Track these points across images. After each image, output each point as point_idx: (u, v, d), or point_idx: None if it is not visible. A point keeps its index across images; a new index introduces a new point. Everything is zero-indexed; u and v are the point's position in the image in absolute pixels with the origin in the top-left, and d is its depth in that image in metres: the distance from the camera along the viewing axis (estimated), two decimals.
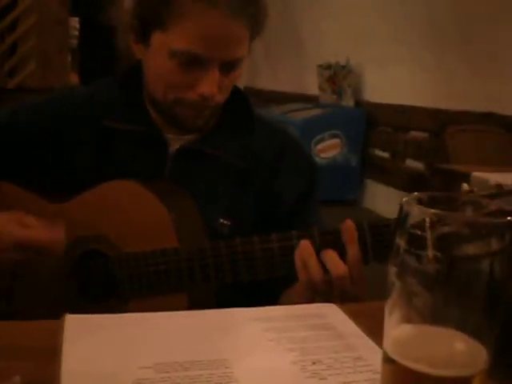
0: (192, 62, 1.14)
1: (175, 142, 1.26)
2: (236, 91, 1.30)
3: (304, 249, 1.05)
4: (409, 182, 5.32)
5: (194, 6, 1.10)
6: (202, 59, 1.13)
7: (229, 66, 1.17)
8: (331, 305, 0.92)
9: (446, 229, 0.49)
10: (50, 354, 0.72)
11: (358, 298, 1.04)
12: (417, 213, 0.50)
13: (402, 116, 5.56)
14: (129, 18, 1.19)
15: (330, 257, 1.03)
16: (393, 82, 5.63)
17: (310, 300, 1.04)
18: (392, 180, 5.68)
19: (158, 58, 1.17)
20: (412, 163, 5.51)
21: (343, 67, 6.38)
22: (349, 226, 1.05)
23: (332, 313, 0.89)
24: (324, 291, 1.04)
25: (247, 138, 1.29)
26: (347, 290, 1.03)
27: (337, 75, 6.48)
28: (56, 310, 0.84)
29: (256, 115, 1.32)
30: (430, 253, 0.50)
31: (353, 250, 1.04)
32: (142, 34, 1.19)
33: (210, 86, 1.15)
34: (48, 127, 1.27)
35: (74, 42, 7.71)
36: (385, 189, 5.81)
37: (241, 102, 1.31)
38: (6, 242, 1.10)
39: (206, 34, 1.11)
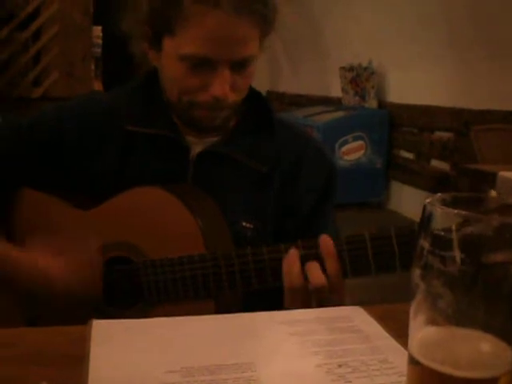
0: (202, 64, 1.14)
1: (196, 146, 1.27)
2: (255, 95, 1.30)
3: (290, 256, 1.08)
4: (435, 183, 5.28)
5: (197, 8, 1.10)
6: (210, 60, 1.13)
7: (239, 65, 1.16)
8: (357, 308, 0.92)
9: (470, 230, 0.49)
10: (76, 359, 0.73)
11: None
12: (440, 214, 0.50)
13: (426, 116, 5.53)
14: (141, 25, 1.20)
15: (312, 268, 1.07)
16: (415, 82, 5.60)
17: (291, 305, 1.09)
18: (418, 181, 5.65)
19: (170, 63, 1.18)
20: (437, 164, 5.47)
21: (366, 69, 6.36)
22: (325, 241, 1.07)
23: (358, 315, 0.89)
24: (304, 298, 1.07)
25: (268, 141, 1.29)
26: (326, 299, 1.07)
27: (359, 77, 6.47)
28: (80, 318, 0.85)
29: (277, 119, 1.32)
30: (457, 254, 0.49)
31: (330, 263, 1.07)
32: (154, 41, 1.20)
33: (222, 87, 1.15)
34: (71, 132, 1.28)
35: (97, 50, 7.78)
36: (411, 190, 5.78)
37: (260, 106, 1.32)
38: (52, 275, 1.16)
39: (211, 35, 1.11)
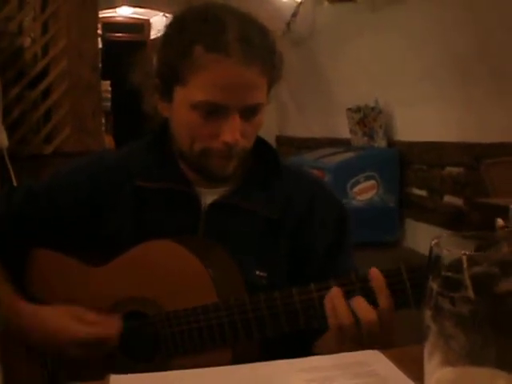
0: (213, 112, 1.17)
1: (207, 197, 1.28)
2: (261, 143, 1.32)
3: (334, 294, 1.06)
4: (449, 219, 5.26)
5: (208, 57, 1.14)
6: (221, 108, 1.16)
7: (249, 112, 1.19)
8: (375, 351, 0.92)
9: (477, 269, 0.49)
10: None
11: (388, 343, 1.04)
12: (446, 255, 0.50)
13: (436, 153, 5.54)
14: (151, 78, 1.23)
15: (360, 303, 1.04)
16: (423, 119, 5.63)
17: (340, 345, 1.05)
18: (432, 218, 5.63)
19: (182, 112, 1.20)
20: (450, 199, 5.45)
21: (372, 109, 6.39)
22: (375, 275, 1.05)
23: (375, 359, 0.89)
24: (353, 336, 1.04)
25: (277, 187, 1.30)
26: (376, 335, 1.04)
27: (367, 117, 6.50)
28: (99, 373, 0.85)
29: (284, 165, 1.34)
30: (466, 294, 0.49)
31: (383, 297, 1.04)
32: (165, 93, 1.23)
33: (233, 133, 1.17)
34: (83, 193, 1.30)
35: (107, 104, 7.87)
36: (425, 227, 5.75)
37: (267, 153, 1.33)
38: (64, 341, 1.18)
39: (222, 83, 1.14)
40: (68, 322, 1.18)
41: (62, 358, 1.22)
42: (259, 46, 1.16)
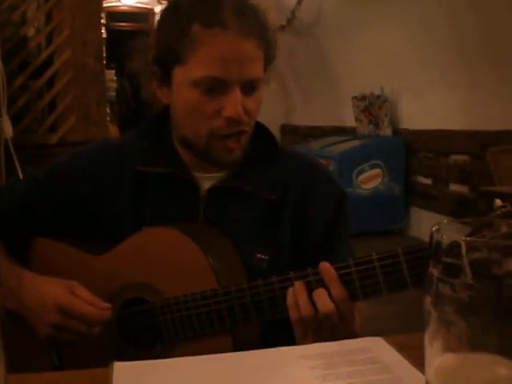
0: (214, 88, 1.17)
1: (205, 182, 1.29)
2: (260, 128, 1.31)
3: (297, 288, 1.08)
4: (454, 207, 5.25)
5: (205, 33, 1.15)
6: (222, 82, 1.16)
7: (249, 87, 1.19)
8: (377, 338, 0.92)
9: (477, 255, 0.49)
10: None
11: (350, 334, 1.06)
12: (447, 241, 0.50)
13: (441, 141, 5.52)
14: (149, 65, 1.23)
15: (319, 295, 1.07)
16: (429, 107, 5.61)
17: (303, 339, 1.08)
18: (437, 206, 5.62)
19: (183, 91, 1.20)
20: (456, 187, 5.44)
21: (378, 97, 6.37)
22: (325, 267, 1.07)
23: (378, 346, 0.89)
24: (315, 328, 1.07)
25: (274, 169, 1.30)
26: (336, 326, 1.06)
27: (372, 105, 6.48)
28: (102, 360, 0.85)
29: (282, 149, 1.34)
30: (469, 279, 0.49)
31: (334, 288, 1.06)
32: (164, 77, 1.23)
33: (235, 107, 1.17)
34: (84, 179, 1.31)
35: (112, 94, 7.88)
36: (431, 215, 5.74)
37: (264, 137, 1.33)
38: (49, 304, 1.19)
39: (221, 56, 1.15)
40: (57, 288, 1.20)
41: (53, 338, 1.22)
42: (254, 21, 1.18)
